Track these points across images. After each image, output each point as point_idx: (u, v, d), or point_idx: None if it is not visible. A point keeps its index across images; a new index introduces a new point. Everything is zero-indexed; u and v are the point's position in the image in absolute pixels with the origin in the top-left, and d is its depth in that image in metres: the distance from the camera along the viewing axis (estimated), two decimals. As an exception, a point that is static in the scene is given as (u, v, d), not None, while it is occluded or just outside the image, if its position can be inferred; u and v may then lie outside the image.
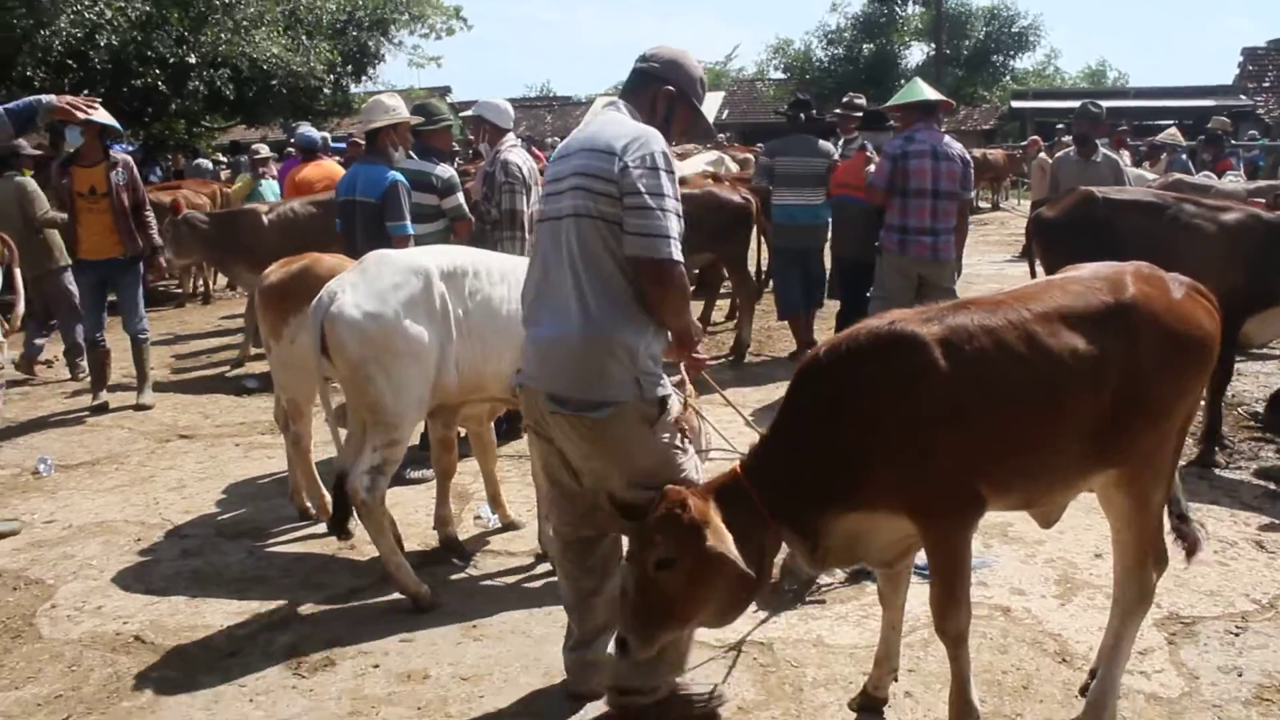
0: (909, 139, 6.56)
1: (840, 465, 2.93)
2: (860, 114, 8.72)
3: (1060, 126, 18.09)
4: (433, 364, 4.29)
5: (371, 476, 4.26)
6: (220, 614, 4.35)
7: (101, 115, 7.52)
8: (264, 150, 12.05)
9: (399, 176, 5.78)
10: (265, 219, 9.04)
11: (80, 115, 4.62)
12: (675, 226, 3.00)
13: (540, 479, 3.35)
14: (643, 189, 2.95)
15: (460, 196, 6.31)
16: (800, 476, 2.99)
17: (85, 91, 13.11)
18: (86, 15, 14.39)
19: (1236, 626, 4.00)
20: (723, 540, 2.82)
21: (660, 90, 3.22)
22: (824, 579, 4.43)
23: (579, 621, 3.44)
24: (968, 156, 6.69)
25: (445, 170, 6.30)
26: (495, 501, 5.26)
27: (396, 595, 4.45)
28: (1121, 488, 3.15)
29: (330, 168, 10.17)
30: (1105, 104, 9.49)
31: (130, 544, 5.15)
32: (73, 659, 3.99)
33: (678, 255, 2.99)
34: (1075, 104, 9.13)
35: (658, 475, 3.08)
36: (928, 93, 6.68)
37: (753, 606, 3.56)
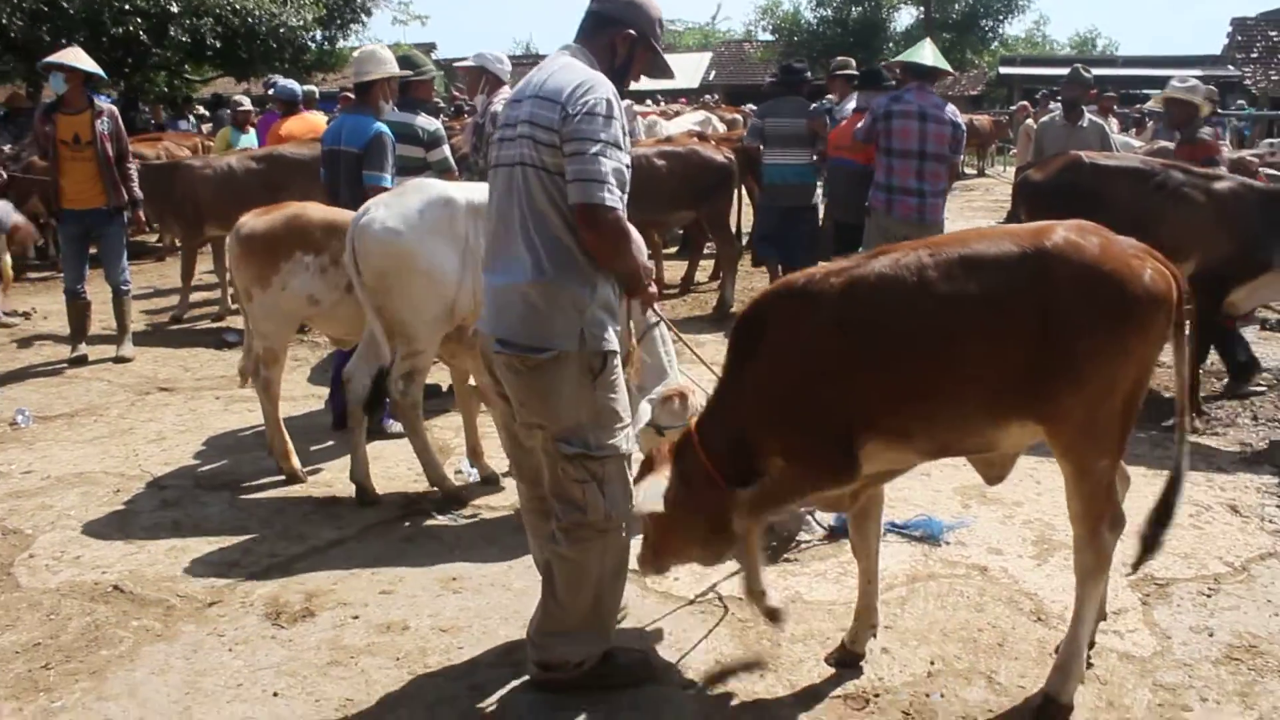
0: (896, 98, 6.54)
1: (754, 417, 3.16)
2: (853, 74, 8.72)
3: (1042, 94, 17.88)
4: (451, 286, 4.63)
5: (404, 382, 4.81)
6: (200, 564, 4.34)
7: (85, 62, 7.44)
8: (246, 103, 11.89)
9: (384, 128, 5.72)
10: (201, 173, 9.01)
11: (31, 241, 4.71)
12: (612, 172, 2.90)
13: (503, 437, 3.36)
14: (582, 135, 2.88)
15: (446, 149, 6.26)
16: (734, 431, 3.21)
17: (63, 40, 12.90)
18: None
19: (1209, 588, 4.05)
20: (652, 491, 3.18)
21: (620, 35, 3.12)
22: (803, 536, 4.47)
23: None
24: (959, 120, 6.66)
25: (430, 123, 6.23)
26: (475, 454, 5.28)
27: (377, 548, 4.47)
28: (1059, 454, 3.07)
29: (314, 120, 10.04)
30: (1094, 71, 9.47)
31: (109, 495, 5.13)
32: (51, 608, 3.98)
33: (610, 200, 2.89)
34: (1064, 71, 9.08)
35: (586, 434, 3.06)
36: (926, 58, 6.64)
37: (734, 564, 3.62)
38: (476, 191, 4.69)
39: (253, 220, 5.17)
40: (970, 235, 3.14)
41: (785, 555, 4.34)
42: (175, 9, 16.11)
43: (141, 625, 3.84)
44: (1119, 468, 3.21)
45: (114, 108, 7.79)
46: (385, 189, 5.56)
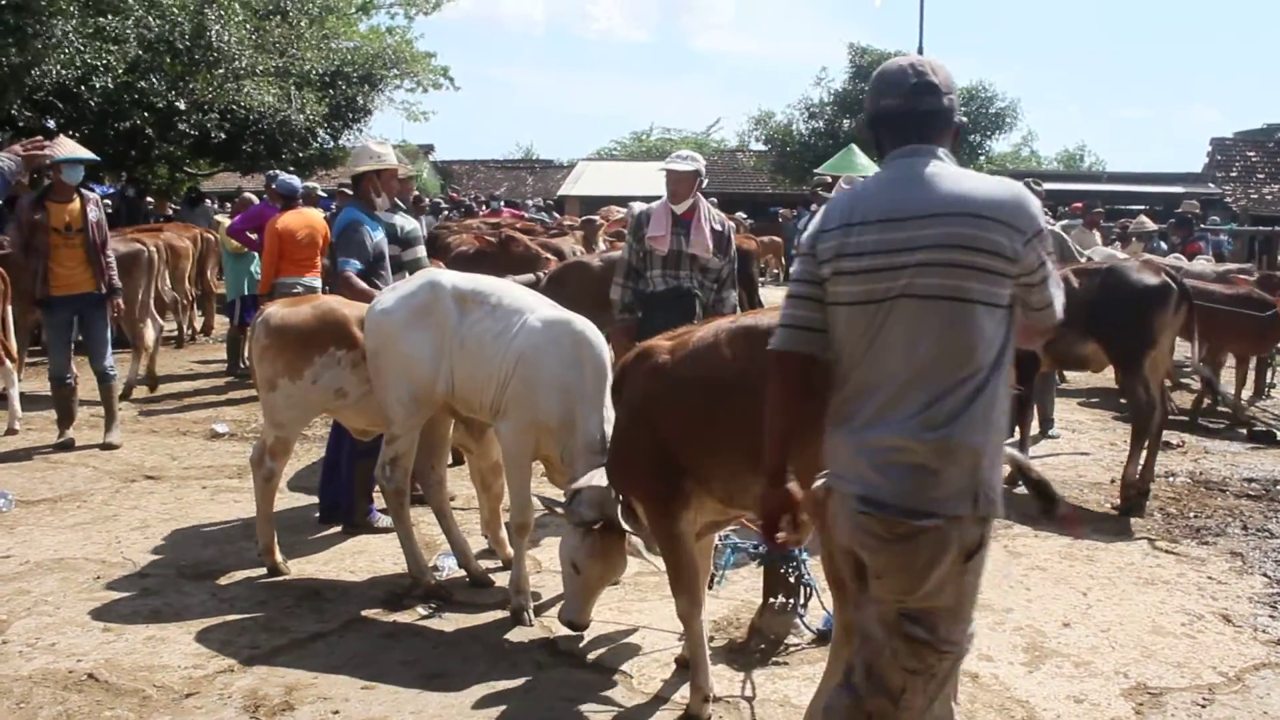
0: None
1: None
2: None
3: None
4: (424, 368, 4.70)
5: (390, 468, 4.92)
6: (178, 654, 4.26)
7: (74, 151, 7.57)
8: (250, 196, 12.07)
9: (359, 217, 5.74)
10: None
11: (45, 154, 4.73)
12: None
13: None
14: (1045, 256, 2.52)
15: (422, 249, 6.28)
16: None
17: (71, 133, 13.13)
18: (79, 58, 14.31)
19: (1203, 698, 4.00)
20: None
21: (956, 128, 2.65)
22: (792, 639, 4.41)
23: None
24: None
25: (408, 221, 6.24)
26: (496, 543, 5.43)
27: (360, 643, 4.39)
28: None
29: (311, 216, 10.08)
30: (1080, 187, 9.76)
31: (89, 582, 5.05)
32: (21, 696, 3.89)
33: None
34: (1049, 186, 9.31)
35: (938, 620, 2.50)
36: (861, 165, 6.66)
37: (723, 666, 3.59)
38: (471, 280, 4.90)
39: (282, 312, 5.14)
40: (756, 314, 3.80)
41: (774, 659, 4.28)
42: (182, 105, 16.39)
43: (115, 716, 3.75)
44: None
45: (98, 196, 7.89)
46: (348, 274, 5.63)
